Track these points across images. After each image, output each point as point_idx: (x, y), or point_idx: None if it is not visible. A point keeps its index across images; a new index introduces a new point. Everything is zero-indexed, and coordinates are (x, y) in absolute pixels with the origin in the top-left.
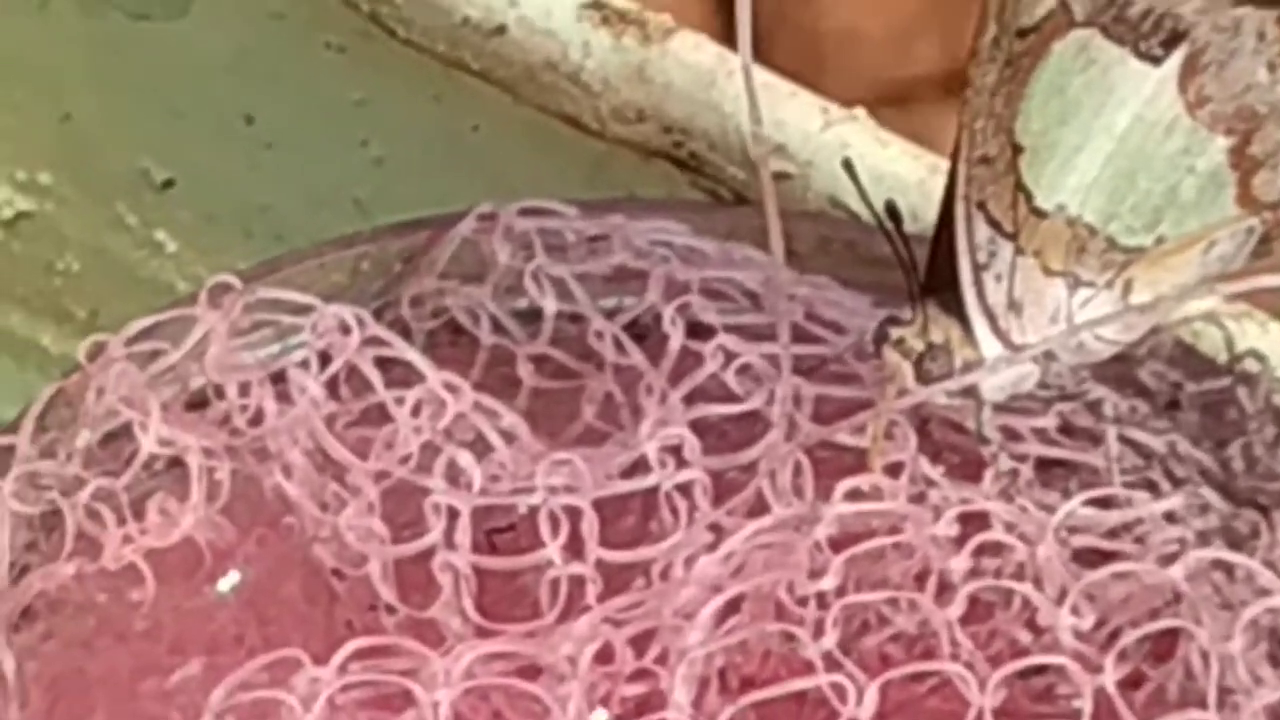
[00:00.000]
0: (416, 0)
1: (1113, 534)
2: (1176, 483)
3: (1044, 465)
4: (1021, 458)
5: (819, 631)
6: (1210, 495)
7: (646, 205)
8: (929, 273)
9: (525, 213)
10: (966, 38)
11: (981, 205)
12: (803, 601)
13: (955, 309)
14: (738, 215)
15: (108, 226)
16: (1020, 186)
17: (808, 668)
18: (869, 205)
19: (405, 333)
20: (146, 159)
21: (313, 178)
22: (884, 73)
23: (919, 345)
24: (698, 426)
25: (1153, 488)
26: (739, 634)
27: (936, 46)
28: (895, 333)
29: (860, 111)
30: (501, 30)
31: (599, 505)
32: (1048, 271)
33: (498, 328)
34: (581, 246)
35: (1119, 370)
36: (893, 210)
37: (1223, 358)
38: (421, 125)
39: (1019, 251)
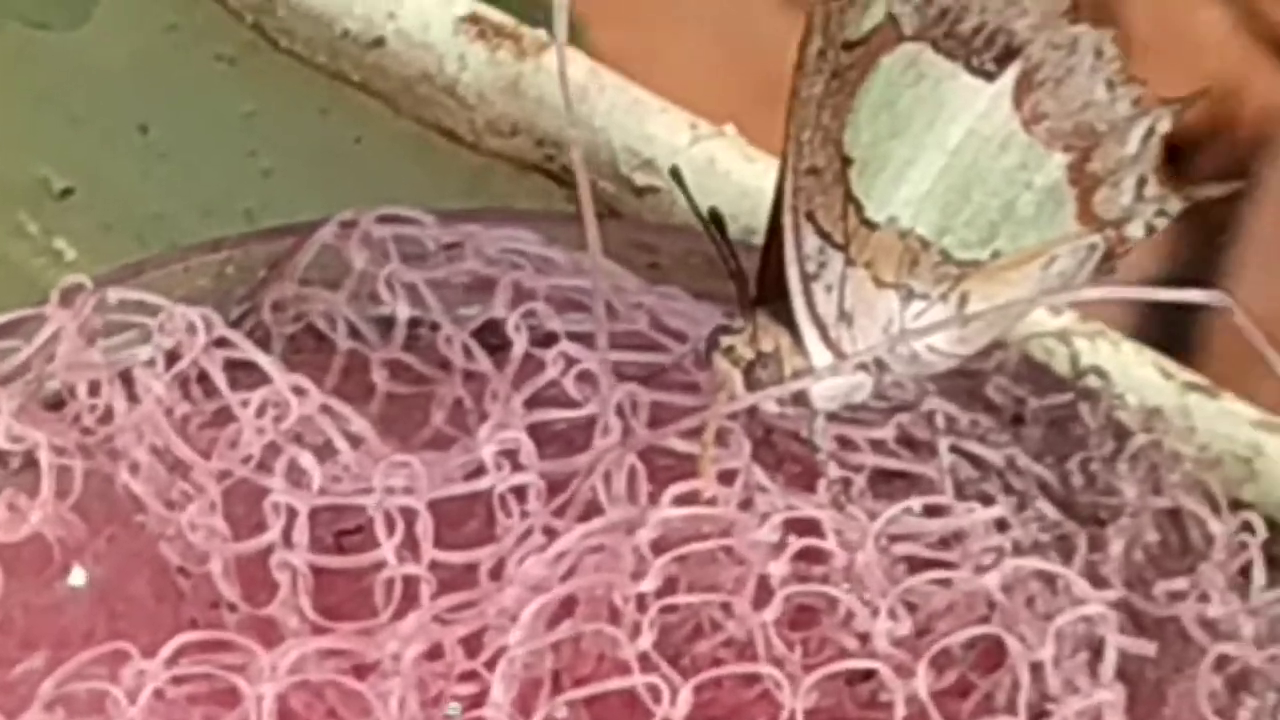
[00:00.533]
0: (298, 12)
1: (943, 544)
2: (1013, 496)
3: (887, 477)
4: (857, 468)
5: (636, 633)
6: (1047, 508)
7: (504, 215)
8: (760, 282)
9: (383, 220)
10: None
11: (810, 216)
12: (625, 603)
13: (786, 319)
14: (602, 228)
15: (8, 234)
16: (850, 198)
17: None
18: (696, 211)
19: (266, 337)
20: (46, 167)
21: (204, 187)
22: None
23: (749, 353)
24: (540, 432)
25: (988, 500)
26: (556, 634)
27: None
28: (726, 340)
29: (729, 128)
30: (380, 42)
31: (444, 508)
32: (879, 283)
33: (354, 333)
34: (437, 254)
35: (968, 385)
36: (716, 217)
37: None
38: (308, 137)
39: (849, 263)
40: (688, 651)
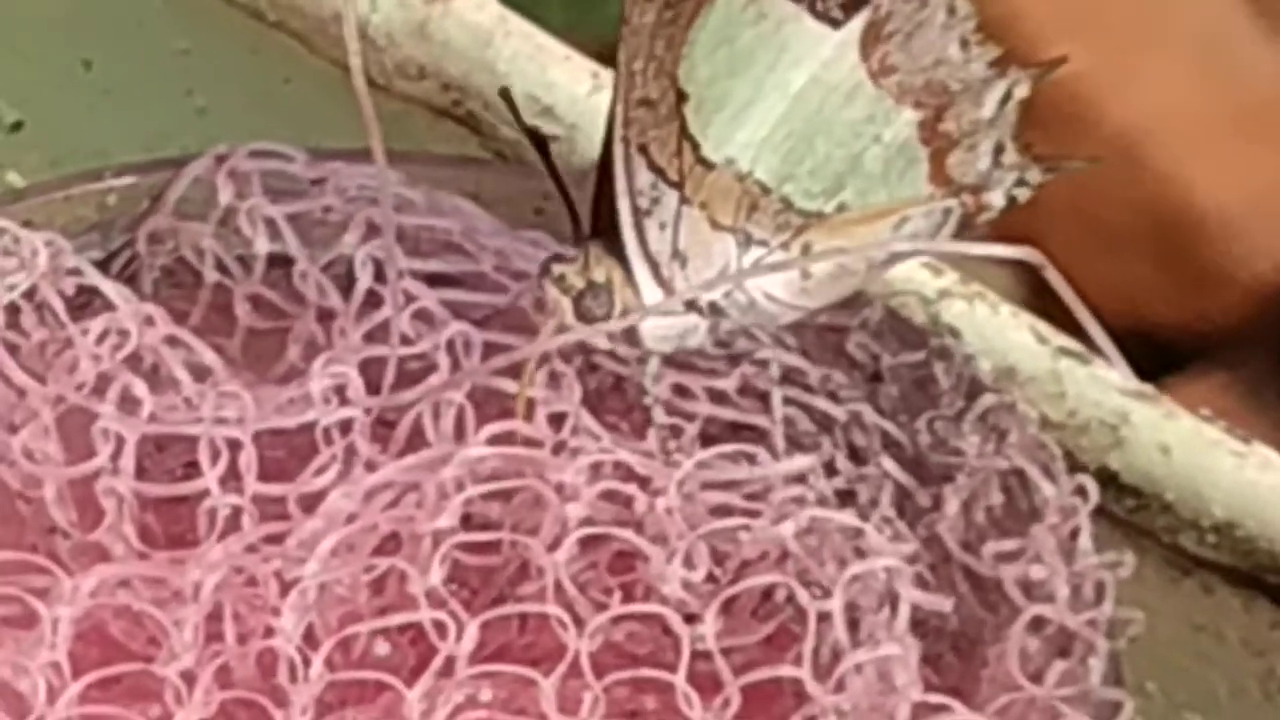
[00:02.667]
0: None
1: (755, 496)
2: (855, 452)
3: (734, 429)
4: (690, 416)
5: (427, 568)
6: (890, 465)
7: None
8: (594, 214)
9: (254, 155)
10: None
11: (643, 149)
12: (419, 539)
13: (619, 253)
14: (495, 173)
15: None
16: (686, 134)
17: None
18: (523, 129)
19: (142, 269)
20: None
21: (145, 124)
22: None
23: (579, 282)
24: (374, 369)
25: (828, 457)
26: (350, 567)
27: None
28: (557, 268)
29: None
30: None
31: (279, 441)
32: (716, 225)
33: (221, 267)
34: (301, 190)
35: (835, 341)
36: (539, 138)
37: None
38: (239, 76)
39: (685, 201)
40: (510, 595)
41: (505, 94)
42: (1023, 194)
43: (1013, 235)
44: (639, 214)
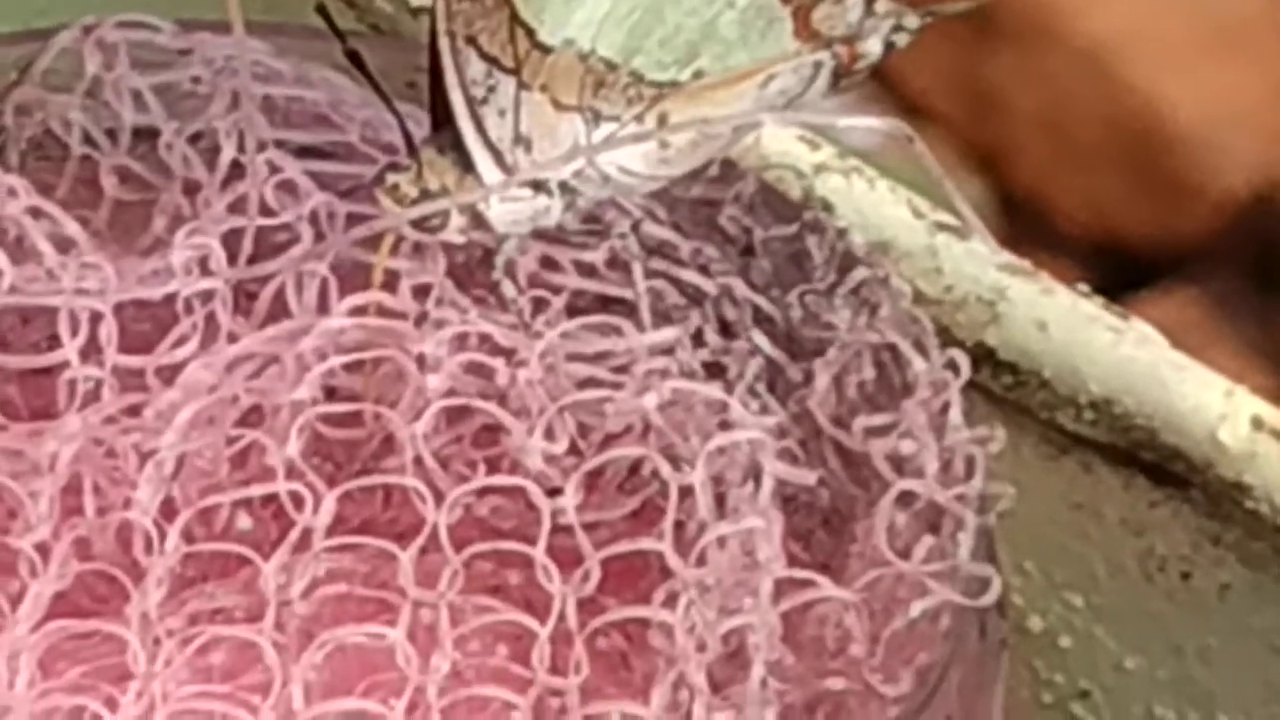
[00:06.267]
0: None
1: (621, 369)
2: (725, 326)
3: (605, 303)
4: (556, 289)
5: (285, 440)
6: (761, 340)
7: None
8: (433, 110)
9: (122, 25)
10: None
11: (472, 40)
12: (278, 411)
13: (456, 149)
14: (367, 45)
15: None
16: (518, 21)
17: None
18: (343, 42)
19: (8, 141)
20: None
21: None
22: None
23: (413, 191)
24: (239, 241)
25: (696, 330)
26: (208, 439)
27: None
28: (391, 178)
29: None
30: None
31: (142, 314)
32: (559, 106)
33: (89, 139)
34: (168, 61)
35: (709, 214)
36: (354, 55)
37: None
38: None
39: (523, 86)
40: (347, 464)
41: (321, 9)
42: (901, 39)
43: (982, 146)
44: (474, 104)
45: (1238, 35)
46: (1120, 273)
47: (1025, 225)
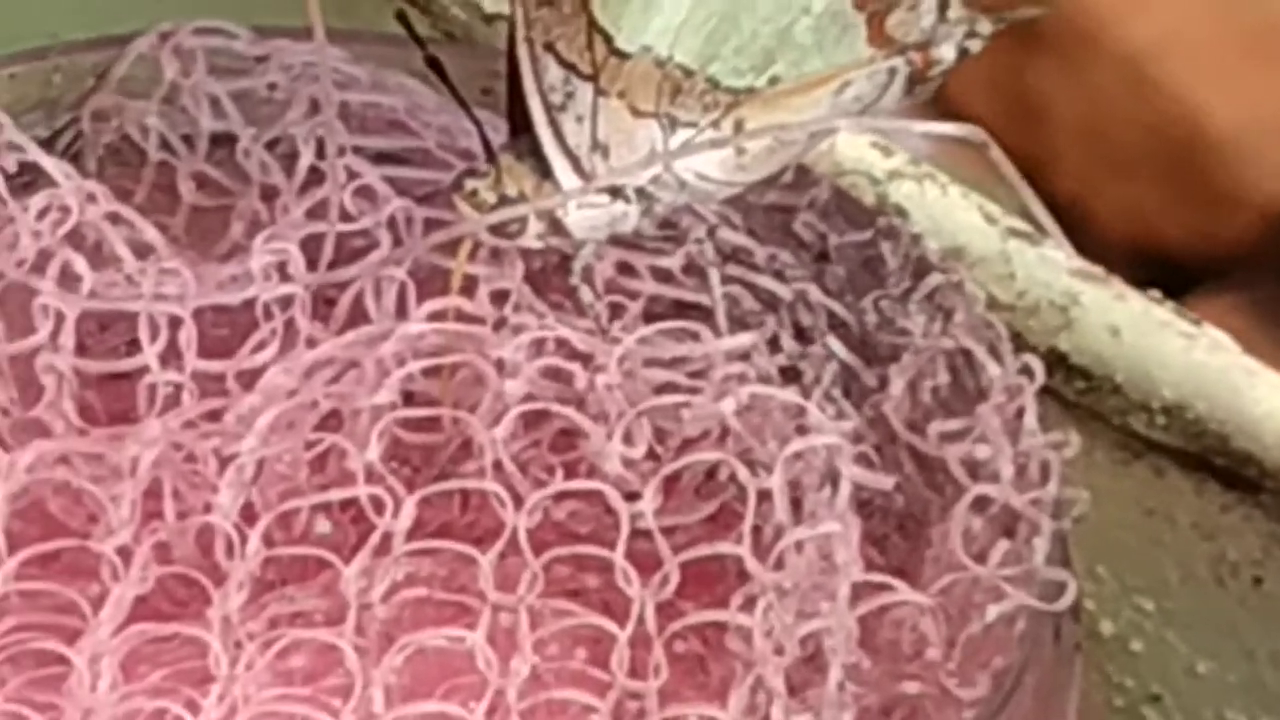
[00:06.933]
0: None
1: (698, 374)
2: (800, 331)
3: (682, 309)
4: (633, 294)
5: (365, 444)
6: (836, 345)
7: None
8: (510, 117)
9: (199, 32)
10: None
11: (550, 47)
12: (357, 415)
13: (535, 155)
14: (443, 53)
15: None
16: (596, 28)
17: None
18: (423, 50)
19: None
20: None
21: (94, 5)
22: None
23: (491, 197)
24: (317, 246)
25: (771, 335)
26: (288, 444)
27: None
28: (469, 184)
29: None
30: None
31: (220, 319)
32: (637, 113)
33: (166, 145)
34: (246, 68)
35: (783, 220)
36: (435, 62)
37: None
38: None
39: (601, 93)
40: (425, 468)
41: (401, 16)
42: (975, 45)
43: (1022, 153)
44: (552, 110)
45: (1278, 42)
46: (1161, 280)
47: (1066, 232)
